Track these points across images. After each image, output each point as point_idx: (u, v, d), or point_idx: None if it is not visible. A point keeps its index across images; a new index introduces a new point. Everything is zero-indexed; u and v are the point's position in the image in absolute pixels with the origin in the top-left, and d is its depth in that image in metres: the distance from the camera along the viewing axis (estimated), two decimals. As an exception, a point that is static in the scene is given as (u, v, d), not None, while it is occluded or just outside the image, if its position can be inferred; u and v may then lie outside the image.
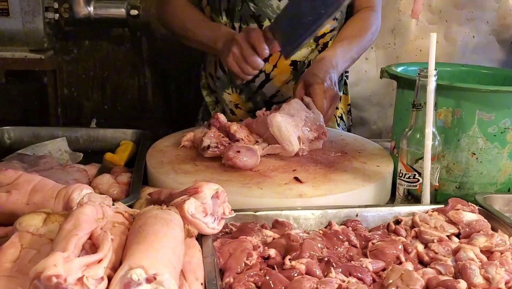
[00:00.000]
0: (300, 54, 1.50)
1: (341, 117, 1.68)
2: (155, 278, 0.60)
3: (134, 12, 1.70)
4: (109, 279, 0.62)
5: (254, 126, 1.22)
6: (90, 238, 0.69)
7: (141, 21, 1.91)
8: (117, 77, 2.14)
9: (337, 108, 1.65)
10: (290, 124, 1.15)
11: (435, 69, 0.98)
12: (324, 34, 1.52)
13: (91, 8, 1.70)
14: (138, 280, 0.60)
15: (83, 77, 2.12)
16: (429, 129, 0.96)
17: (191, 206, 0.81)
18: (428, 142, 0.97)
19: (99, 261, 0.62)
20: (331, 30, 1.53)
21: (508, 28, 2.31)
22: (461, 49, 2.31)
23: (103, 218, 0.76)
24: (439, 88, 1.05)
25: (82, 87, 2.14)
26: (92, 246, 0.69)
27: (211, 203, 0.84)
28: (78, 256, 0.64)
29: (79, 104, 2.15)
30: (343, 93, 1.70)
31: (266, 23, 1.46)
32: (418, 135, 1.00)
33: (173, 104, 2.20)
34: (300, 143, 1.17)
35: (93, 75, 2.13)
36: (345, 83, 1.71)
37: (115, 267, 0.65)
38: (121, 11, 1.74)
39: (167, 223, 0.71)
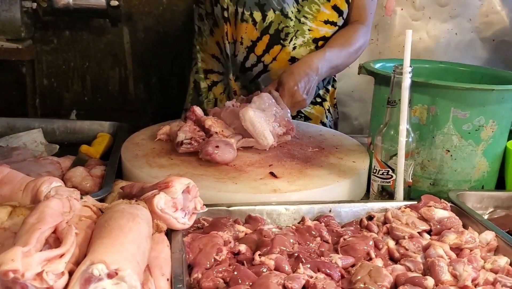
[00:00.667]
0: (299, 52, 1.52)
1: (328, 110, 1.68)
2: (116, 273, 0.59)
3: (114, 3, 1.68)
4: (72, 274, 0.61)
5: (221, 116, 1.22)
6: (54, 232, 0.68)
7: (122, 12, 1.88)
8: (98, 69, 2.11)
9: (325, 100, 1.67)
10: (262, 119, 1.15)
11: (410, 66, 0.97)
12: (324, 38, 1.52)
13: (70, -2, 1.68)
14: (99, 275, 0.59)
15: (63, 68, 2.09)
16: (403, 126, 0.96)
17: (160, 200, 0.80)
18: (402, 139, 0.98)
19: (61, 255, 0.61)
20: (332, 35, 1.54)
21: (491, 26, 2.32)
22: (443, 46, 2.32)
23: (70, 211, 0.75)
24: (414, 85, 1.05)
25: (62, 78, 2.11)
26: (56, 240, 0.68)
27: (181, 198, 0.83)
28: (41, 250, 0.63)
29: (59, 96, 2.12)
30: (332, 86, 1.71)
31: (270, 13, 1.47)
32: (392, 132, 1.00)
33: (155, 96, 2.18)
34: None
35: (74, 66, 2.10)
36: (334, 78, 1.72)
37: (79, 262, 0.64)
38: (101, 2, 1.72)
39: (133, 218, 0.70)
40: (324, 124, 1.64)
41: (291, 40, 1.50)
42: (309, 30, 1.50)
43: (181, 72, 2.15)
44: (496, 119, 1.10)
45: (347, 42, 1.51)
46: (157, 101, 2.20)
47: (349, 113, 2.33)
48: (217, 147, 1.07)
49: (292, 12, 1.48)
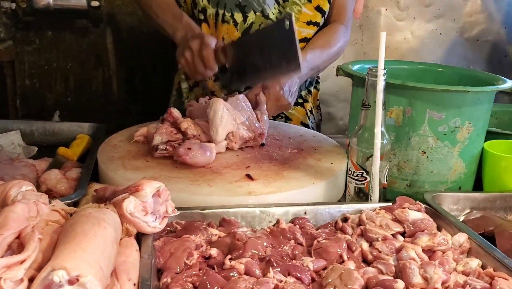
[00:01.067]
0: None
1: (311, 111, 1.68)
2: (77, 280, 0.59)
3: (95, 3, 1.67)
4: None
5: (192, 110, 1.22)
6: (18, 237, 0.68)
7: (104, 12, 1.87)
8: (80, 69, 2.10)
9: (307, 102, 1.67)
10: (227, 116, 1.14)
11: (384, 68, 0.97)
12: (306, 39, 1.52)
13: (50, -1, 1.66)
14: (60, 281, 0.58)
15: (45, 69, 2.07)
16: (378, 128, 0.96)
17: (130, 204, 0.80)
18: (377, 142, 0.97)
19: (22, 262, 0.61)
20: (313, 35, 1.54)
21: (475, 26, 2.34)
22: (428, 46, 2.33)
23: (37, 216, 0.74)
24: (390, 87, 1.05)
25: (45, 79, 2.09)
26: (20, 245, 0.67)
27: (152, 202, 0.83)
28: (2, 257, 0.62)
29: (42, 96, 2.11)
30: (315, 88, 1.71)
31: (251, 14, 1.46)
32: (367, 135, 1.00)
33: (138, 96, 2.17)
34: (230, 137, 1.16)
35: (56, 66, 2.08)
36: (318, 79, 1.72)
37: (42, 268, 0.63)
38: (82, 2, 1.70)
39: (98, 223, 0.69)
40: (305, 125, 1.64)
41: None
42: None
43: (165, 72, 2.14)
44: (472, 120, 1.10)
45: (327, 43, 1.52)
46: (141, 101, 2.19)
47: (334, 113, 2.34)
48: (189, 149, 1.06)
49: (273, 14, 1.47)
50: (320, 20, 1.52)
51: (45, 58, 2.07)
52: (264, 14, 1.47)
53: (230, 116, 1.14)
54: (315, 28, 1.53)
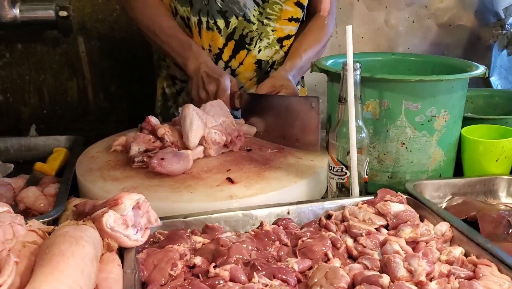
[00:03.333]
0: (265, 54, 1.52)
1: None
2: (57, 303, 0.58)
3: (63, 13, 1.64)
4: (13, 306, 0.59)
5: (178, 120, 1.23)
6: (-5, 262, 0.66)
7: (74, 21, 1.84)
8: (54, 80, 2.06)
9: None
10: (197, 120, 1.13)
11: (358, 62, 0.97)
12: (289, 36, 1.53)
13: (16, 11, 1.62)
14: (39, 307, 0.57)
15: (18, 82, 2.04)
16: (353, 123, 0.96)
17: (109, 219, 0.78)
18: (353, 136, 0.97)
19: (-1, 288, 0.59)
20: (297, 32, 1.55)
21: (446, 11, 2.35)
22: (402, 35, 2.34)
23: (13, 238, 0.72)
24: (365, 81, 1.05)
25: (18, 93, 2.05)
26: (-3, 271, 0.65)
27: (132, 214, 0.81)
28: (-21, 284, 0.61)
29: (17, 111, 2.07)
30: (301, 86, 1.71)
31: (233, 20, 1.46)
32: (345, 130, 1.00)
33: (116, 103, 2.14)
34: (203, 143, 1.15)
35: (29, 79, 2.04)
36: (302, 77, 1.72)
37: (20, 292, 0.62)
38: (49, 13, 1.67)
39: (76, 242, 0.68)
40: None
41: (256, 43, 1.50)
42: (272, 30, 1.50)
43: (143, 77, 2.11)
44: (448, 108, 1.11)
45: (317, 40, 1.54)
46: (119, 109, 2.16)
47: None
48: (162, 159, 1.05)
49: (254, 16, 1.47)
50: (300, 15, 1.52)
51: (17, 71, 2.03)
52: (246, 18, 1.46)
53: (200, 121, 1.13)
54: (297, 24, 1.53)
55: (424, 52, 2.33)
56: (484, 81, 2.45)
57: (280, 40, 1.52)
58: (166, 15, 1.48)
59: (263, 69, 1.55)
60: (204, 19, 1.46)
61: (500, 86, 2.49)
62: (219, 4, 1.44)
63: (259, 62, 1.53)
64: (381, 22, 2.30)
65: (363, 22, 2.28)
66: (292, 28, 1.52)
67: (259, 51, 1.51)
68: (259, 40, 1.49)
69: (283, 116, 1.25)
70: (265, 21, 1.48)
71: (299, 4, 1.49)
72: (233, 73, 1.54)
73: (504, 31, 2.40)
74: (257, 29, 1.48)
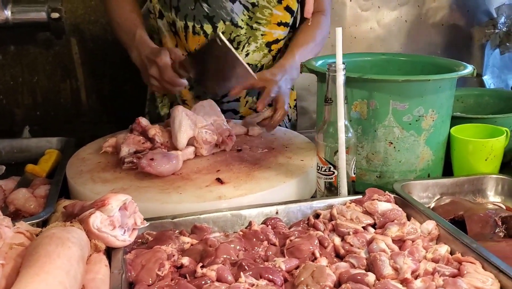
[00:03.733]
0: (253, 58, 1.52)
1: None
2: (42, 304, 0.58)
3: (55, 15, 1.64)
4: (-1, 307, 0.60)
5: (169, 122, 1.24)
6: (-19, 264, 0.67)
7: (66, 23, 1.84)
8: (47, 82, 2.06)
9: None
10: (186, 121, 1.14)
11: (344, 63, 0.98)
12: (277, 40, 1.53)
13: (8, 13, 1.62)
14: (23, 307, 0.58)
15: (11, 84, 2.04)
16: (341, 122, 0.97)
17: (96, 219, 0.79)
18: (341, 136, 0.98)
19: (-16, 290, 0.60)
20: (285, 37, 1.55)
21: (439, 11, 2.36)
22: (394, 34, 2.35)
23: (0, 240, 0.73)
24: (352, 81, 1.06)
25: (11, 95, 2.05)
26: (-17, 273, 0.66)
27: (119, 215, 0.82)
28: (-35, 286, 0.61)
29: (10, 113, 2.07)
30: (291, 89, 1.71)
31: (221, 24, 1.46)
32: (331, 130, 1.01)
33: (109, 105, 2.14)
34: (194, 143, 1.16)
35: (22, 81, 2.04)
36: None
37: (6, 294, 0.63)
38: (41, 15, 1.67)
39: (62, 243, 0.68)
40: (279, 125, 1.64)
41: (243, 47, 1.50)
42: (262, 35, 1.50)
43: (135, 79, 2.11)
44: (436, 108, 1.11)
45: (312, 38, 1.52)
46: (112, 110, 2.16)
47: (307, 107, 2.34)
48: (151, 159, 1.05)
49: (243, 20, 1.47)
50: (289, 20, 1.53)
51: (10, 73, 2.03)
52: (233, 22, 1.47)
53: (189, 121, 1.14)
54: (285, 29, 1.54)
55: (417, 52, 2.34)
56: (477, 81, 2.47)
57: (268, 44, 1.52)
58: (126, 8, 1.48)
59: None
60: (190, 24, 1.46)
61: (493, 85, 2.50)
62: (206, 9, 1.44)
63: None
64: (373, 22, 2.31)
65: (355, 22, 2.29)
66: (281, 32, 1.53)
67: (247, 55, 1.51)
68: (247, 44, 1.50)
69: (215, 64, 1.25)
70: (254, 25, 1.48)
71: (288, 9, 1.50)
72: None
73: (497, 30, 2.41)
74: (245, 33, 1.48)
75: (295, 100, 1.75)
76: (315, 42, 1.53)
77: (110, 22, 1.53)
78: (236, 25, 1.47)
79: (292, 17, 1.53)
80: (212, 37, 1.22)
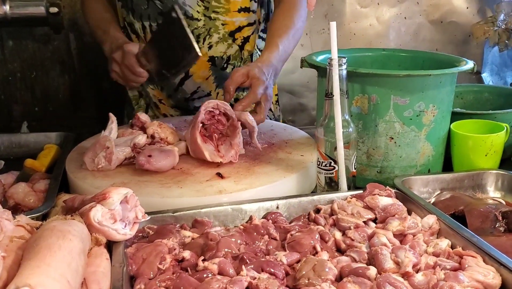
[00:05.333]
0: (217, 50, 1.47)
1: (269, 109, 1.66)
2: (43, 296, 0.58)
3: (53, 9, 1.62)
4: (0, 299, 0.60)
5: None
6: (-18, 257, 0.66)
7: (65, 18, 1.83)
8: (46, 77, 2.06)
9: None
10: None
11: (344, 57, 0.98)
12: (240, 28, 1.47)
13: (6, 7, 1.61)
14: (25, 299, 0.57)
15: (9, 80, 2.03)
16: (339, 117, 0.97)
17: (97, 213, 0.79)
18: (339, 131, 0.98)
19: (-15, 282, 0.60)
20: (249, 24, 1.48)
21: (438, 8, 2.36)
22: (394, 31, 2.35)
23: (0, 233, 0.72)
24: (353, 76, 1.06)
25: (10, 90, 2.04)
26: (-16, 265, 0.66)
27: (120, 209, 0.82)
28: (-34, 278, 0.61)
29: (8, 108, 2.06)
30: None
31: None
32: (332, 124, 1.00)
33: (108, 100, 2.14)
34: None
35: (20, 76, 2.03)
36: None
37: (7, 286, 0.62)
38: (40, 9, 1.65)
39: (63, 235, 0.68)
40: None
41: (204, 40, 1.45)
42: (222, 24, 1.44)
43: (134, 74, 2.11)
44: (436, 103, 1.11)
45: (292, 23, 1.42)
46: (110, 105, 2.15)
47: (306, 104, 2.34)
48: (149, 156, 1.05)
49: (199, 12, 1.42)
50: (250, 5, 1.45)
51: (8, 68, 2.02)
52: (187, 15, 1.41)
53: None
54: (248, 15, 1.46)
55: (416, 48, 2.34)
56: (476, 78, 2.47)
57: (232, 34, 1.46)
58: (101, 9, 1.51)
59: (218, 66, 1.49)
60: (146, 24, 1.44)
61: (491, 83, 2.51)
62: (159, 6, 1.41)
63: (212, 59, 1.47)
64: (373, 18, 2.31)
65: (355, 19, 2.29)
66: (243, 19, 1.45)
67: (210, 47, 1.46)
68: (208, 36, 1.44)
69: (168, 43, 1.25)
70: (212, 15, 1.42)
71: None
72: (187, 74, 1.48)
73: (496, 28, 2.41)
74: (204, 25, 1.43)
75: (276, 95, 1.70)
76: (295, 27, 1.42)
77: (87, 24, 1.58)
78: (191, 18, 1.41)
79: (253, 1, 1.46)
80: (167, 10, 1.22)
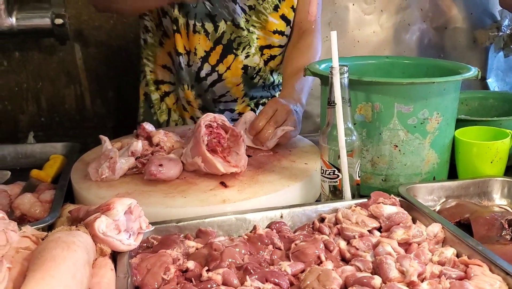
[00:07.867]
0: (251, 61, 1.53)
1: None
2: (48, 308, 0.58)
3: (59, 21, 1.65)
4: (5, 311, 0.60)
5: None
6: (-13, 268, 0.67)
7: (70, 29, 1.85)
8: (52, 88, 2.08)
9: None
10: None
11: (346, 65, 0.98)
12: (270, 46, 1.53)
13: (13, 19, 1.64)
14: (30, 311, 0.58)
15: (16, 90, 2.05)
16: (341, 125, 0.97)
17: (101, 224, 0.79)
18: (342, 139, 0.98)
19: (-10, 294, 0.60)
20: (280, 46, 1.55)
21: (442, 14, 2.36)
22: (397, 38, 2.34)
23: (6, 244, 0.73)
24: (356, 84, 1.06)
25: (16, 101, 2.07)
26: (-11, 277, 0.66)
27: (124, 219, 0.82)
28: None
29: (15, 119, 2.08)
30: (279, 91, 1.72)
31: (222, 24, 1.47)
32: (335, 132, 1.00)
33: (113, 110, 2.15)
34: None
35: (27, 87, 2.06)
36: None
37: (12, 298, 0.63)
38: (45, 21, 1.68)
39: (68, 247, 0.68)
40: None
41: (243, 49, 1.51)
42: (257, 38, 1.51)
43: (137, 84, 2.12)
44: (440, 111, 1.11)
45: (308, 61, 1.43)
46: (116, 115, 2.17)
47: (311, 111, 2.34)
48: (160, 165, 1.05)
49: (243, 22, 1.48)
50: (285, 29, 1.52)
51: (14, 79, 2.04)
52: (234, 23, 1.47)
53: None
54: (281, 37, 1.53)
55: (420, 55, 2.34)
56: (481, 84, 2.46)
57: (261, 48, 1.53)
58: None
59: (249, 75, 1.56)
60: (191, 22, 1.47)
61: (497, 88, 2.50)
62: (208, 8, 1.45)
63: (245, 67, 1.54)
64: (376, 25, 2.31)
65: (358, 26, 2.29)
66: (275, 40, 1.53)
67: (246, 57, 1.52)
68: (248, 46, 1.51)
69: None
70: (251, 28, 1.49)
71: (284, 18, 1.50)
72: (220, 77, 1.54)
73: (500, 33, 2.41)
74: (246, 35, 1.49)
75: None
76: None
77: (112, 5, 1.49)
78: (237, 26, 1.48)
79: (289, 27, 1.53)
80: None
